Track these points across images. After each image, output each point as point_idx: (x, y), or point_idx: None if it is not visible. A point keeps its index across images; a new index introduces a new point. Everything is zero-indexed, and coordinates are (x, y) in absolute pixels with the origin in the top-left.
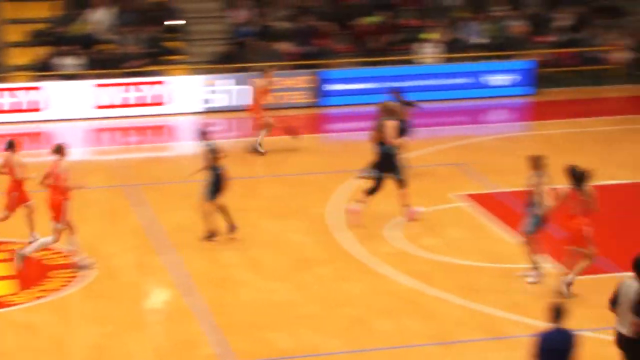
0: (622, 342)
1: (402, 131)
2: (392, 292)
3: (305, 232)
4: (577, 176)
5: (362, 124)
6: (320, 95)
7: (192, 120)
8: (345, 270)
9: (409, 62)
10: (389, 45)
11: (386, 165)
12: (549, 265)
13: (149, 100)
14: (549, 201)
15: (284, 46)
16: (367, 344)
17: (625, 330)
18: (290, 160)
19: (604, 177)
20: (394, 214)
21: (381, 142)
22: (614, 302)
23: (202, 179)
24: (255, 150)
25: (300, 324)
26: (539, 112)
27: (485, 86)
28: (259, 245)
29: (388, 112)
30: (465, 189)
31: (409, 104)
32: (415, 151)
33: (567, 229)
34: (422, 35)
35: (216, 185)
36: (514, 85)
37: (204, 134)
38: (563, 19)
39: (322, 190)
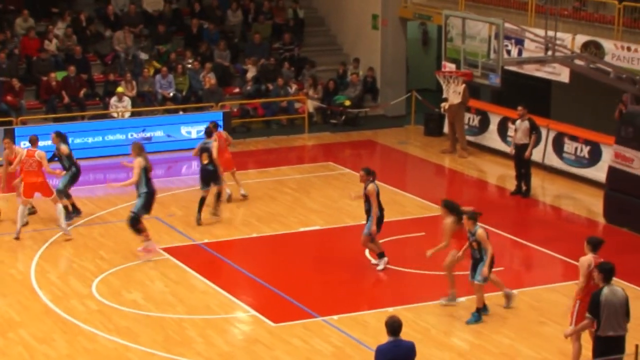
0: (615, 343)
1: None
2: (96, 350)
3: (3, 293)
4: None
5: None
6: None
7: None
8: (47, 331)
9: (103, 116)
10: (82, 99)
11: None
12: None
13: None
14: None
15: None
16: None
17: (618, 332)
18: None
19: (301, 224)
20: (95, 270)
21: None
22: (597, 313)
23: None
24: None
25: None
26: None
27: (179, 139)
28: None
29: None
30: (165, 242)
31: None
32: (111, 207)
33: None
34: (117, 89)
35: None
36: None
37: None
38: (251, 70)
39: (23, 250)
